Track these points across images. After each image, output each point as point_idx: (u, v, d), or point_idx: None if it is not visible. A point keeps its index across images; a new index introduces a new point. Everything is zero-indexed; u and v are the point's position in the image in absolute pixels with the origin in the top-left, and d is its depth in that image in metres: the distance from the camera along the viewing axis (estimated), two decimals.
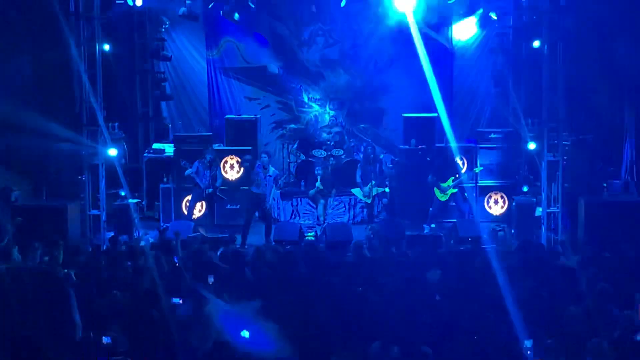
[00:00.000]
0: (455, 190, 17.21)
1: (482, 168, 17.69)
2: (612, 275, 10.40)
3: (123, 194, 17.04)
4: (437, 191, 17.24)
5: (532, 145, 17.11)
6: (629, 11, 17.03)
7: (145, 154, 19.39)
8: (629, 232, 13.60)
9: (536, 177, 17.61)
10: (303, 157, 19.60)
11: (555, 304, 8.94)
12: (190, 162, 17.20)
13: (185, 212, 17.71)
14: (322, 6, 20.84)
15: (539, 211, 16.76)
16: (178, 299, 9.34)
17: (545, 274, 10.52)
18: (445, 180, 17.18)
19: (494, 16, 19.87)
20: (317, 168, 17.97)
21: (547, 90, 16.06)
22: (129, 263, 12.15)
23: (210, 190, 17.15)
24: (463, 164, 18.00)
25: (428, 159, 18.21)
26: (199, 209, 17.83)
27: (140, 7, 19.11)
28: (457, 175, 17.21)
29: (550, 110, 16.12)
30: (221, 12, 19.77)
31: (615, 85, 17.60)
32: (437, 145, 18.53)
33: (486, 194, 18.37)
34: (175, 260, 12.00)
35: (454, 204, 17.43)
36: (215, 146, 18.55)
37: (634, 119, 17.35)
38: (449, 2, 19.38)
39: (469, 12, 19.76)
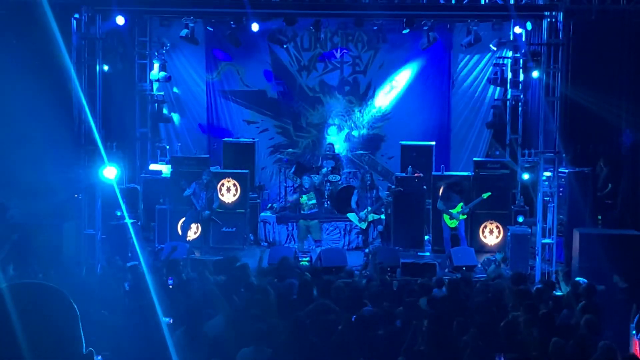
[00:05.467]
0: (465, 216, 17.21)
1: (490, 194, 17.36)
2: (602, 307, 10.43)
3: (119, 213, 17.03)
4: (446, 217, 17.24)
5: (526, 176, 17.20)
6: (628, 42, 17.12)
7: (142, 175, 19.42)
8: (622, 265, 13.57)
9: (531, 208, 17.61)
10: (299, 181, 19.63)
11: (545, 335, 8.95)
12: (188, 183, 17.26)
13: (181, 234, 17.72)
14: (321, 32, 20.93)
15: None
16: (168, 319, 9.33)
17: (537, 305, 10.53)
18: (454, 207, 17.17)
19: (493, 47, 20.07)
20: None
21: (544, 120, 16.11)
22: (126, 282, 12.17)
23: (207, 213, 17.17)
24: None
25: (424, 187, 18.22)
26: (194, 231, 17.83)
27: (127, 26, 18.72)
28: (465, 202, 17.20)
29: (547, 141, 16.16)
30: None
31: (613, 117, 17.66)
32: (434, 173, 18.56)
33: (481, 224, 18.33)
34: (170, 282, 11.95)
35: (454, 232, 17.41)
36: (213, 169, 18.57)
37: (630, 151, 17.39)
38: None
39: (471, 43, 19.79)
